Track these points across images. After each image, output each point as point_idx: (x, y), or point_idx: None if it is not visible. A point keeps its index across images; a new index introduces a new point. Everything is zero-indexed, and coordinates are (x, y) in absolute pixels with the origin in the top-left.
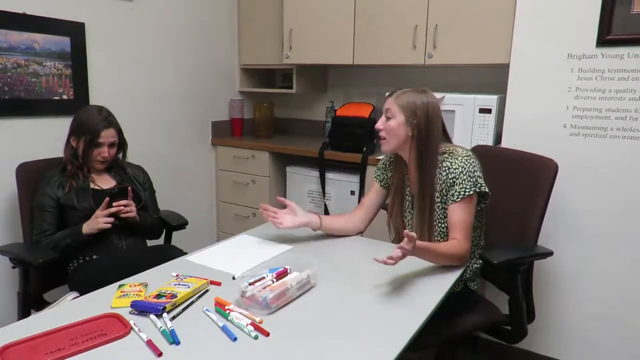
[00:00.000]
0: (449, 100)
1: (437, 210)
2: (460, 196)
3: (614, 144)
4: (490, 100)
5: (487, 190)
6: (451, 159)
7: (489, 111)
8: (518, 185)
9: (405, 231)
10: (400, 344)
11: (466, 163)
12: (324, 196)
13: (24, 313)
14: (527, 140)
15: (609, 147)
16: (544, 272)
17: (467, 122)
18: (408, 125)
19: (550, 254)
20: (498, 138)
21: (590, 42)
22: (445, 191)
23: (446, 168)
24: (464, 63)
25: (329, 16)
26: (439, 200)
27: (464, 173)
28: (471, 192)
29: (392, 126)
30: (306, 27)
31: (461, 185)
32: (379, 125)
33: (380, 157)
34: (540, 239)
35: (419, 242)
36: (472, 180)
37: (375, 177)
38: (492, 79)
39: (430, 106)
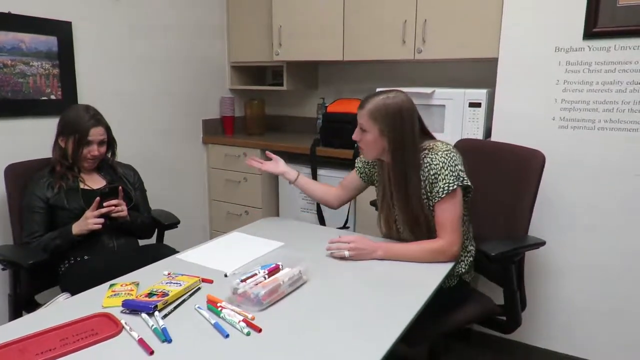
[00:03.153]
0: (439, 95)
1: (427, 207)
2: (444, 192)
3: (601, 136)
4: (479, 94)
5: (469, 183)
6: (432, 154)
7: (478, 105)
8: (507, 178)
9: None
10: (392, 337)
11: (447, 157)
12: None
13: (15, 315)
14: (516, 133)
15: (597, 139)
16: (534, 263)
17: (457, 116)
18: (383, 138)
19: (542, 243)
20: (488, 132)
21: (577, 35)
22: (430, 187)
23: (427, 164)
24: (453, 58)
25: (318, 12)
26: (424, 197)
27: (446, 168)
28: (455, 187)
29: (368, 140)
30: (295, 24)
31: (444, 181)
32: (355, 137)
33: None
34: (529, 230)
35: (388, 246)
36: (454, 174)
37: (356, 168)
38: (481, 73)
39: (402, 111)
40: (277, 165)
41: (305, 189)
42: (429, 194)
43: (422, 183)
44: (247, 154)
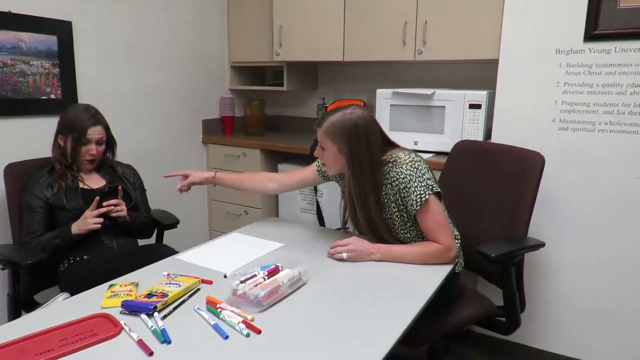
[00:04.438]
0: (439, 96)
1: (396, 219)
2: (418, 204)
3: (602, 138)
4: (479, 95)
5: (439, 190)
6: (396, 168)
7: (478, 107)
8: (507, 179)
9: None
10: (393, 338)
11: (412, 169)
12: (316, 193)
13: (14, 315)
14: (516, 134)
15: (597, 141)
16: (533, 264)
17: (457, 117)
18: (342, 155)
19: (542, 245)
20: (488, 133)
21: (577, 37)
22: (402, 201)
23: (394, 179)
24: (454, 59)
25: (318, 13)
26: (395, 210)
27: (414, 180)
28: (427, 197)
29: (328, 157)
30: (296, 24)
31: (415, 193)
32: (316, 153)
33: None
34: (529, 231)
35: (386, 248)
36: (422, 184)
37: (317, 163)
38: (481, 74)
39: (358, 128)
40: (192, 176)
41: (231, 184)
42: (401, 206)
43: (392, 197)
44: (247, 154)
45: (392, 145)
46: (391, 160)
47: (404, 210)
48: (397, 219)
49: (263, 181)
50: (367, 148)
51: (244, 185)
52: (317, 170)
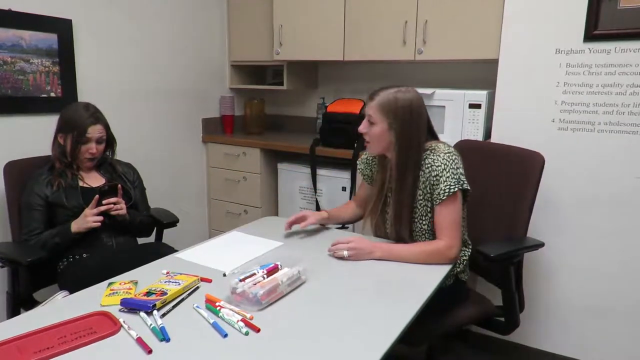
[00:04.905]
0: (439, 96)
1: (419, 207)
2: (445, 194)
3: (601, 138)
4: (479, 95)
5: (468, 187)
6: (433, 156)
7: (478, 106)
8: (506, 179)
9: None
10: (391, 337)
11: (449, 160)
12: (316, 192)
13: (13, 313)
14: (516, 134)
15: (596, 141)
16: (533, 264)
17: (457, 117)
18: (391, 131)
19: (541, 245)
20: (488, 133)
21: (577, 38)
22: (430, 189)
23: (429, 165)
24: (454, 58)
25: (319, 12)
26: (421, 197)
27: (447, 170)
28: (455, 189)
29: (375, 133)
30: (296, 23)
31: (445, 183)
32: (362, 129)
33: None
34: (528, 231)
35: (387, 247)
36: (455, 177)
37: (359, 170)
38: (481, 74)
39: (413, 108)
40: (310, 219)
41: (337, 221)
42: (427, 195)
43: (422, 184)
44: (247, 153)
45: (433, 135)
46: (430, 148)
47: (429, 200)
48: (420, 207)
49: (355, 211)
50: (417, 128)
51: (344, 218)
52: (364, 179)
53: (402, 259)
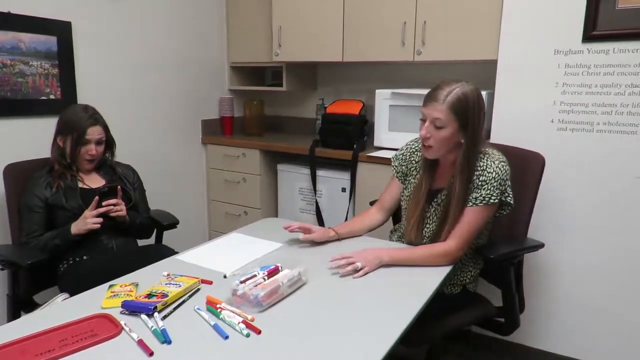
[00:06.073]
0: None
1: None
2: (483, 202)
3: (600, 138)
4: None
5: (511, 201)
6: (487, 160)
7: None
8: None
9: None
10: (392, 338)
11: (502, 169)
12: (315, 193)
13: (13, 315)
14: (515, 135)
15: (595, 142)
16: (533, 264)
17: None
18: (460, 133)
19: (541, 246)
20: (487, 133)
21: (576, 38)
22: (469, 191)
23: (479, 168)
24: (453, 59)
25: (318, 13)
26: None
27: (496, 179)
28: (496, 200)
29: (444, 136)
30: (295, 25)
31: (488, 191)
32: (425, 133)
33: (372, 154)
34: (528, 232)
35: (392, 252)
36: (501, 188)
37: (394, 167)
38: (480, 75)
39: (480, 104)
40: (314, 235)
41: (351, 235)
42: (467, 196)
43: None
44: (246, 154)
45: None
46: (483, 151)
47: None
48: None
49: (372, 219)
50: (483, 125)
51: (360, 230)
52: (397, 177)
53: (408, 262)
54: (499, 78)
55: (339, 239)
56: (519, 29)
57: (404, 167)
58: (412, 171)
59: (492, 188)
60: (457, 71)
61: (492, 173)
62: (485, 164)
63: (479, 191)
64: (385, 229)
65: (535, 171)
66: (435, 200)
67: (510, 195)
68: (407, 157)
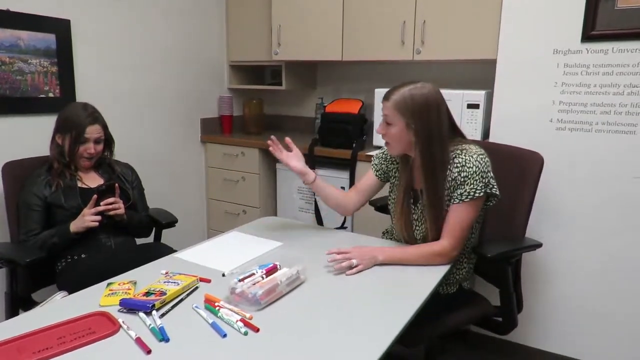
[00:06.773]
0: None
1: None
2: (468, 197)
3: (599, 138)
4: (477, 95)
5: (497, 192)
6: (465, 156)
7: (476, 106)
8: (505, 179)
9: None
10: (390, 337)
11: (481, 162)
12: (314, 193)
13: (12, 313)
14: (514, 134)
15: (594, 141)
16: (531, 264)
17: (455, 117)
18: (409, 131)
19: (539, 245)
20: (486, 133)
21: (575, 38)
22: (453, 189)
23: (459, 165)
24: (452, 59)
25: (317, 12)
26: (447, 198)
27: (477, 173)
28: (481, 194)
29: (394, 134)
30: (295, 24)
31: (472, 186)
32: (380, 130)
33: (372, 153)
34: (526, 231)
35: (388, 250)
36: (484, 180)
37: (372, 165)
38: (479, 74)
39: (430, 104)
40: (298, 161)
41: (321, 192)
42: (450, 194)
43: (447, 184)
44: (245, 153)
45: (456, 130)
46: (460, 147)
47: (447, 199)
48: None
49: (346, 194)
50: (437, 124)
51: (332, 194)
52: (376, 174)
53: (403, 261)
54: (498, 77)
55: (307, 184)
56: (519, 28)
57: (383, 166)
58: (393, 171)
59: (475, 182)
60: (456, 70)
61: (472, 167)
62: (464, 160)
63: (463, 187)
64: (377, 230)
65: (534, 170)
66: (420, 201)
67: (495, 187)
68: (388, 157)
